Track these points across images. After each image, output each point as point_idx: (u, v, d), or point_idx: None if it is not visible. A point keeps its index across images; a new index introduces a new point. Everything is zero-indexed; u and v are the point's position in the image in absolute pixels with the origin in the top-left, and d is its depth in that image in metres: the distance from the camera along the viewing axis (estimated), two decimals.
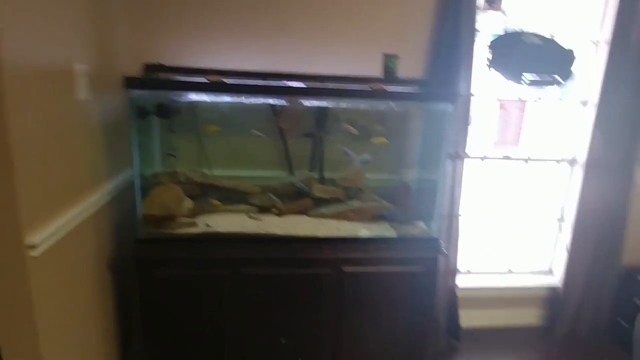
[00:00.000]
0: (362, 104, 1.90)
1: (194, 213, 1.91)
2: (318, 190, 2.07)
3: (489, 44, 2.16)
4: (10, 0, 1.15)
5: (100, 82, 1.73)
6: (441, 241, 1.96)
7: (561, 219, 2.69)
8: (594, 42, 2.37)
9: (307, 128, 2.14)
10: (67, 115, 1.48)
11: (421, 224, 2.03)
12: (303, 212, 2.04)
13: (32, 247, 1.24)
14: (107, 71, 1.80)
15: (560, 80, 2.21)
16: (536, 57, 2.19)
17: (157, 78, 1.89)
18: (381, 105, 1.86)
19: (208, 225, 1.83)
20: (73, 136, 1.53)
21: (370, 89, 1.83)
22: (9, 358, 1.27)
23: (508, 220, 2.73)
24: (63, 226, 1.41)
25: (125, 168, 1.97)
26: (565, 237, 2.64)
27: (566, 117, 2.56)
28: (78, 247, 1.56)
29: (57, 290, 1.41)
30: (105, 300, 1.83)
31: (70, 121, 1.50)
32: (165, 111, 1.86)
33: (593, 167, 2.44)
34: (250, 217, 1.91)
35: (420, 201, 2.12)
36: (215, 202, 1.94)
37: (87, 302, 1.66)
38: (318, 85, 1.93)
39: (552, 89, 2.30)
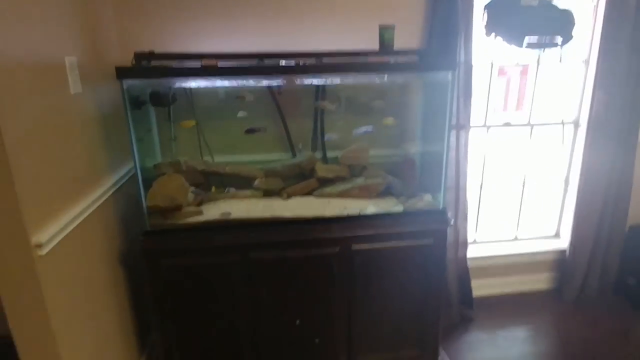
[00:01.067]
0: (360, 79, 1.86)
1: (199, 201, 1.89)
2: (321, 170, 2.05)
3: (485, 6, 2.10)
4: None
5: (92, 74, 1.68)
6: (449, 213, 1.94)
7: (567, 182, 2.68)
8: (591, 0, 2.31)
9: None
10: (62, 109, 1.44)
11: (428, 197, 2.01)
12: (309, 192, 2.02)
13: (39, 246, 1.22)
14: (98, 62, 1.76)
15: (561, 41, 2.16)
16: (534, 19, 2.14)
17: (149, 66, 1.84)
18: (380, 78, 1.82)
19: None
20: (70, 131, 1.49)
21: (365, 62, 1.79)
22: (26, 358, 1.27)
23: (514, 187, 2.72)
24: (68, 223, 1.40)
25: (127, 160, 1.94)
26: (571, 199, 2.63)
27: (567, 78, 2.52)
28: (85, 242, 1.55)
29: (68, 287, 1.41)
30: (118, 293, 1.83)
31: (65, 116, 1.47)
32: (161, 99, 1.82)
33: (596, 128, 2.41)
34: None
35: (425, 174, 2.10)
36: (214, 189, 1.92)
37: (100, 296, 1.65)
38: (313, 63, 1.89)
39: (552, 50, 2.25)
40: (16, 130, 1.17)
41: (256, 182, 1.98)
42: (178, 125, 1.97)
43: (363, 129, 2.00)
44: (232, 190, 1.96)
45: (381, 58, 1.87)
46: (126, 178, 1.92)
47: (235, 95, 1.90)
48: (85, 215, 1.53)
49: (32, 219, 1.22)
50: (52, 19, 1.42)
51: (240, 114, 1.92)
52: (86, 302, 1.53)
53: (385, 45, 1.94)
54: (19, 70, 1.22)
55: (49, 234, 1.27)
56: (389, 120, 1.97)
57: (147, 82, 1.77)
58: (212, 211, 1.84)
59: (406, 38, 2.11)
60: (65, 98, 1.48)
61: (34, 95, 1.28)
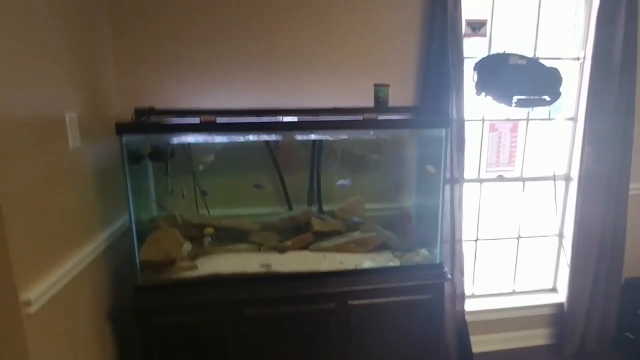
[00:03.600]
0: (356, 134, 1.90)
1: (193, 256, 1.87)
2: (317, 224, 2.04)
3: (474, 65, 2.20)
4: None
5: (91, 129, 1.71)
6: (445, 267, 1.93)
7: (561, 235, 2.69)
8: (577, 59, 2.43)
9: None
10: (59, 164, 1.45)
11: (424, 251, 2.00)
12: (304, 246, 2.00)
13: (28, 303, 1.19)
14: (98, 118, 1.79)
15: (549, 99, 2.24)
16: (522, 78, 2.23)
17: (149, 122, 1.88)
18: (374, 134, 1.86)
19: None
20: (66, 186, 1.49)
21: (362, 120, 1.84)
22: None
23: (509, 240, 2.72)
24: (59, 279, 1.37)
25: (121, 214, 1.93)
26: (566, 253, 2.63)
27: (557, 134, 2.59)
28: (75, 299, 1.50)
29: (55, 346, 1.36)
30: (106, 350, 1.76)
31: (62, 170, 1.47)
32: (159, 154, 1.84)
33: (587, 182, 2.46)
34: (262, 266, 1.86)
35: (421, 227, 2.10)
36: (210, 234, 1.90)
37: (88, 354, 1.59)
38: (310, 119, 1.94)
39: (541, 108, 2.33)
40: (13, 186, 1.17)
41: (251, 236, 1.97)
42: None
43: (341, 182, 2.02)
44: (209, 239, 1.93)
45: (375, 115, 1.92)
46: (120, 232, 1.90)
47: (233, 150, 1.93)
48: (77, 271, 1.50)
49: (23, 275, 1.19)
50: (54, 76, 1.45)
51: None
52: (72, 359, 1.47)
53: (380, 102, 2.01)
54: (20, 125, 1.23)
55: (38, 291, 1.24)
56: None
57: (146, 137, 1.80)
58: (207, 266, 1.81)
59: (400, 95, 2.18)
60: (63, 153, 1.49)
61: (33, 150, 1.30)
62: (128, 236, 1.69)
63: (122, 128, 1.61)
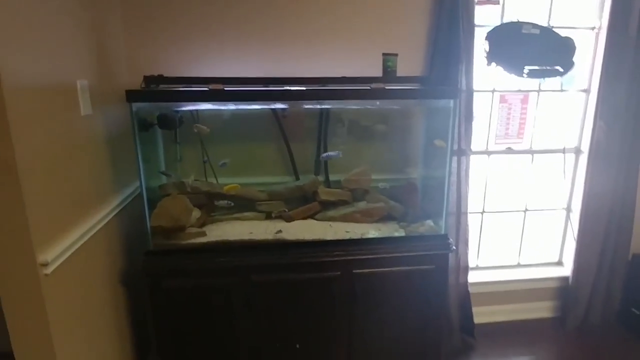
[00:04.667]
0: (363, 104, 1.90)
1: (202, 223, 1.91)
2: (324, 193, 2.07)
3: (486, 35, 2.15)
4: (10, 21, 1.15)
5: (102, 97, 1.73)
6: (450, 238, 1.95)
7: (569, 209, 2.69)
8: (592, 29, 2.36)
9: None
10: (71, 131, 1.48)
11: (429, 222, 2.02)
12: (311, 216, 2.03)
13: (45, 264, 1.24)
14: (108, 86, 1.81)
15: (561, 70, 2.20)
16: (535, 48, 2.18)
17: (158, 89, 1.89)
18: (382, 104, 1.86)
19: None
20: (78, 152, 1.53)
21: (370, 89, 1.83)
22: None
23: (516, 213, 2.72)
24: (73, 242, 1.42)
25: (132, 180, 1.97)
26: (573, 227, 2.63)
27: (568, 106, 2.55)
28: (89, 262, 1.56)
29: (71, 305, 1.42)
30: (119, 312, 1.83)
31: (75, 137, 1.50)
32: (168, 122, 1.86)
33: (597, 156, 2.43)
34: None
35: (427, 199, 2.11)
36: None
37: (102, 314, 1.66)
38: (318, 88, 1.93)
39: (553, 79, 2.29)
40: (28, 151, 1.21)
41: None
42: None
43: (327, 154, 2.03)
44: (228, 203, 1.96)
45: (383, 85, 1.91)
46: (130, 198, 1.94)
47: (240, 118, 1.94)
48: (90, 234, 1.55)
49: (39, 238, 1.24)
50: (65, 45, 1.47)
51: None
52: (87, 320, 1.54)
53: (389, 72, 1.99)
54: (33, 93, 1.26)
55: (54, 253, 1.29)
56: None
57: (156, 105, 1.82)
58: (215, 233, 1.86)
59: (409, 65, 2.16)
60: (75, 119, 1.52)
61: (46, 117, 1.32)
62: (139, 202, 1.74)
63: (132, 95, 1.63)
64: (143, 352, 2.07)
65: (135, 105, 1.65)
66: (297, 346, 1.85)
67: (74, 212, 1.47)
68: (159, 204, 1.79)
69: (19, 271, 1.21)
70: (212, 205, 1.98)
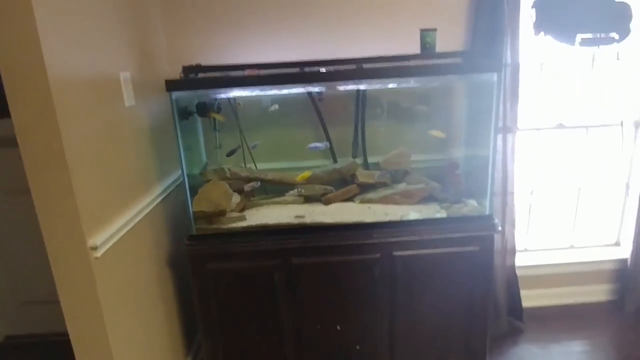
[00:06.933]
0: (402, 83, 1.85)
1: (242, 207, 1.95)
2: (362, 176, 2.04)
3: (533, 3, 2.02)
4: (55, 16, 1.20)
5: (144, 88, 1.79)
6: (495, 219, 1.88)
7: (628, 187, 2.51)
8: None
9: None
10: (116, 121, 1.55)
11: (473, 202, 1.95)
12: (349, 198, 2.02)
13: (94, 248, 1.31)
14: (149, 77, 1.86)
15: (617, 37, 2.03)
16: (587, 14, 2.02)
17: (196, 78, 1.93)
18: (422, 82, 1.79)
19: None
20: (124, 141, 1.60)
21: (407, 66, 1.78)
22: (81, 354, 1.36)
23: (570, 192, 2.58)
24: (121, 227, 1.49)
25: (174, 168, 2.04)
26: (633, 205, 2.46)
27: (625, 76, 2.36)
28: (136, 246, 1.64)
29: (120, 287, 1.49)
30: (166, 294, 1.91)
31: (119, 127, 1.57)
32: (206, 110, 1.90)
33: None
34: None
35: (471, 179, 2.04)
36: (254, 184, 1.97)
37: (149, 296, 1.74)
38: (353, 68, 1.89)
39: (607, 47, 2.12)
40: (77, 141, 1.27)
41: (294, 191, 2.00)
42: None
43: (314, 144, 1.98)
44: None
45: (422, 62, 1.85)
46: (174, 186, 2.01)
47: (277, 103, 1.95)
48: (137, 220, 1.62)
49: (89, 223, 1.31)
50: (108, 38, 1.52)
51: (273, 107, 1.96)
52: (136, 302, 1.62)
53: (427, 48, 1.91)
54: (80, 85, 1.32)
55: (103, 237, 1.36)
56: (438, 133, 1.92)
57: (194, 94, 1.86)
58: (255, 217, 1.89)
59: (449, 40, 2.07)
60: (120, 110, 1.58)
61: (92, 109, 1.39)
62: (182, 188, 1.79)
63: (171, 85, 1.67)
64: (191, 332, 2.17)
65: (175, 94, 1.69)
66: (338, 328, 1.87)
67: (121, 199, 1.54)
68: (200, 190, 1.85)
69: (71, 255, 1.28)
70: (251, 190, 2.01)
